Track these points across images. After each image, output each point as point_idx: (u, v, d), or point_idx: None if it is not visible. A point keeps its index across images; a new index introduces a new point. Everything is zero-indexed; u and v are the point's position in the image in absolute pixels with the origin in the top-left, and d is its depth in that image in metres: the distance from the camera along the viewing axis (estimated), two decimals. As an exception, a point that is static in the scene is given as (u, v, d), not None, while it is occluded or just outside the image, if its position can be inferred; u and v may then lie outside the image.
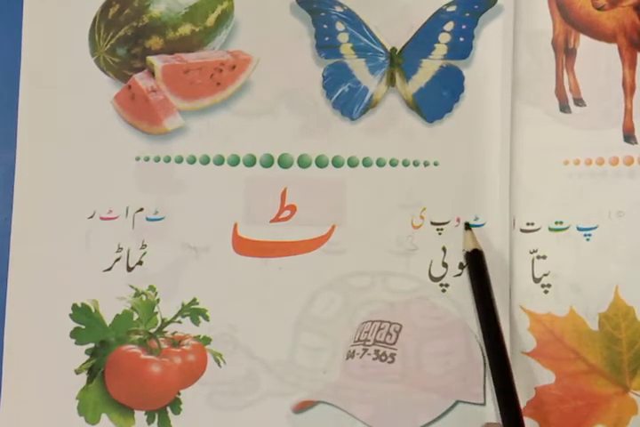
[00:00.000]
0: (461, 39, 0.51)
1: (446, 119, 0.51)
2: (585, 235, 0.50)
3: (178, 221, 0.51)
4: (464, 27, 0.51)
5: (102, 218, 0.51)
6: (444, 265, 0.50)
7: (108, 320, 0.51)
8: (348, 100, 0.51)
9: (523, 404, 0.48)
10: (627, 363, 0.49)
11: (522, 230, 0.50)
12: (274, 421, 0.49)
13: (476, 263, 0.49)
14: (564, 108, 0.51)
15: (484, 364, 0.49)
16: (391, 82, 0.51)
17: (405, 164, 0.51)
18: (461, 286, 0.50)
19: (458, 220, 0.50)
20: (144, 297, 0.51)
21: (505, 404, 0.46)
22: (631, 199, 0.50)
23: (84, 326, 0.51)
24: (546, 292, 0.50)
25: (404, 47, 0.51)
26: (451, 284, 0.50)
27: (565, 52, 0.51)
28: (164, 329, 0.51)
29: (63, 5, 0.52)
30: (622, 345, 0.49)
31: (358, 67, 0.52)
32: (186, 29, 0.52)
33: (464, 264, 0.50)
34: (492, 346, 0.47)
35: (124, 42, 0.52)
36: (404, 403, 0.48)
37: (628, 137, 0.50)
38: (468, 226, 0.50)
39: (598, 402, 0.49)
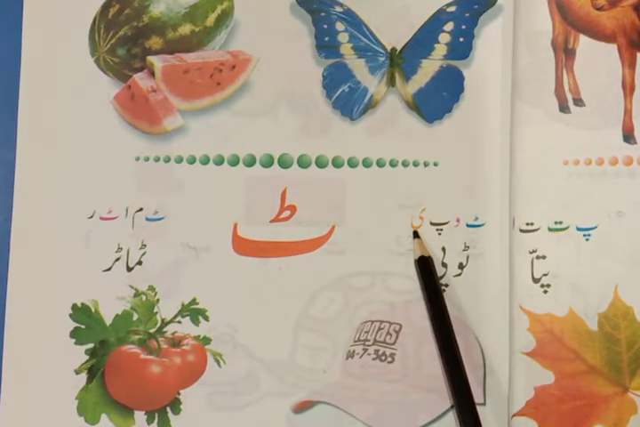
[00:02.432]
0: (461, 39, 0.51)
1: (446, 119, 0.51)
2: (584, 235, 0.50)
3: (178, 221, 0.51)
4: (464, 27, 0.51)
5: (102, 218, 0.51)
6: (444, 265, 0.50)
7: (108, 320, 0.51)
8: (348, 100, 0.51)
9: (522, 404, 0.49)
10: (626, 363, 0.49)
11: (521, 230, 0.50)
12: (274, 421, 0.49)
13: (424, 270, 0.49)
14: (564, 108, 0.51)
15: (484, 364, 0.49)
16: (391, 82, 0.51)
17: (405, 164, 0.51)
18: (461, 285, 0.50)
19: (458, 220, 0.50)
20: (144, 297, 0.51)
21: (459, 403, 0.46)
22: (631, 199, 0.50)
23: (83, 326, 0.51)
24: (545, 292, 0.50)
25: (404, 47, 0.51)
26: (450, 284, 0.50)
27: (565, 53, 0.51)
28: (164, 329, 0.51)
29: (63, 5, 0.52)
30: (622, 345, 0.49)
31: (358, 67, 0.52)
32: (186, 29, 0.52)
33: (464, 264, 0.50)
34: (446, 353, 0.47)
35: (124, 42, 0.52)
36: (404, 403, 0.48)
37: (628, 137, 0.50)
38: (416, 234, 0.50)
39: (598, 402, 0.49)
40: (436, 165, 0.51)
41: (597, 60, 0.51)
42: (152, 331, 0.51)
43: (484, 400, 0.48)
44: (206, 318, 0.50)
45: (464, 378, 0.47)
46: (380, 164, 0.51)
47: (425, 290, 0.49)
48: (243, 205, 0.51)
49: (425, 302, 0.49)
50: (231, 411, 0.50)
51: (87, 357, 0.51)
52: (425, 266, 0.49)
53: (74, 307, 0.51)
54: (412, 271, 0.50)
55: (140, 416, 0.50)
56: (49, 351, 0.51)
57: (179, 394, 0.50)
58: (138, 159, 0.52)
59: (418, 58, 0.51)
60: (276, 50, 0.52)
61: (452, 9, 0.51)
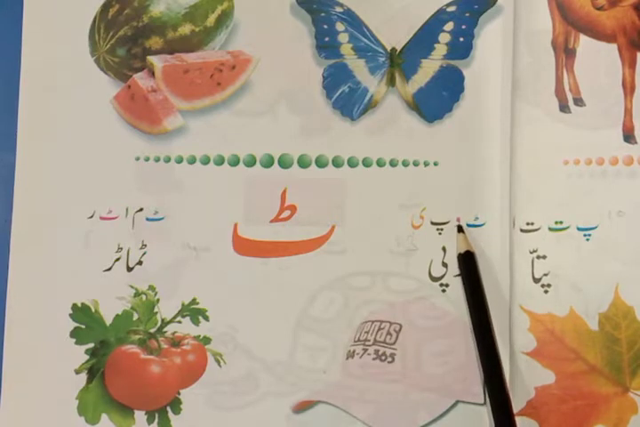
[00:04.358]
0: (461, 39, 0.51)
1: (446, 119, 0.51)
2: (585, 235, 0.50)
3: (178, 221, 0.51)
4: (464, 27, 0.51)
5: (102, 218, 0.51)
6: (444, 265, 0.50)
7: (108, 320, 0.51)
8: (348, 100, 0.51)
9: (523, 404, 0.48)
10: (627, 363, 0.49)
11: (522, 230, 0.50)
12: (273, 421, 0.49)
13: (468, 265, 0.49)
14: (564, 108, 0.51)
15: (484, 364, 0.49)
16: (391, 82, 0.51)
17: (405, 164, 0.51)
18: (461, 286, 0.50)
19: (458, 220, 0.50)
20: (144, 297, 0.51)
21: (498, 408, 0.46)
22: (631, 199, 0.50)
23: (83, 326, 0.51)
24: (546, 292, 0.49)
25: (404, 47, 0.51)
26: (451, 284, 0.50)
27: (565, 52, 0.51)
28: (164, 329, 0.51)
29: (63, 5, 0.52)
30: (622, 345, 0.49)
31: (358, 67, 0.52)
32: (186, 29, 0.52)
33: (464, 264, 0.50)
34: (485, 348, 0.47)
35: (124, 42, 0.52)
36: (404, 403, 0.48)
37: (628, 137, 0.50)
38: (460, 228, 0.50)
39: (598, 402, 0.49)
40: (436, 164, 0.51)
41: (597, 60, 0.51)
42: (152, 331, 0.51)
43: (484, 400, 0.48)
44: (206, 318, 0.50)
45: (503, 382, 0.46)
46: (380, 164, 0.51)
47: (467, 286, 0.49)
48: (243, 205, 0.51)
49: (465, 298, 0.49)
50: (231, 411, 0.50)
51: (87, 357, 0.51)
52: (469, 261, 0.49)
53: (74, 307, 0.51)
54: (413, 271, 0.50)
55: (140, 416, 0.50)
56: (49, 351, 0.51)
57: (179, 394, 0.50)
58: (138, 159, 0.52)
59: (418, 58, 0.51)
60: (276, 50, 0.52)
61: (452, 9, 0.51)
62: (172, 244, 0.51)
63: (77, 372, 0.51)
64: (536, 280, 0.50)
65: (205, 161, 0.51)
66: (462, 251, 0.49)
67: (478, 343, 0.47)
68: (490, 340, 0.47)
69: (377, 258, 0.50)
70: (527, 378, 0.49)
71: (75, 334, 0.51)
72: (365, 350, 0.49)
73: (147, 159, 0.52)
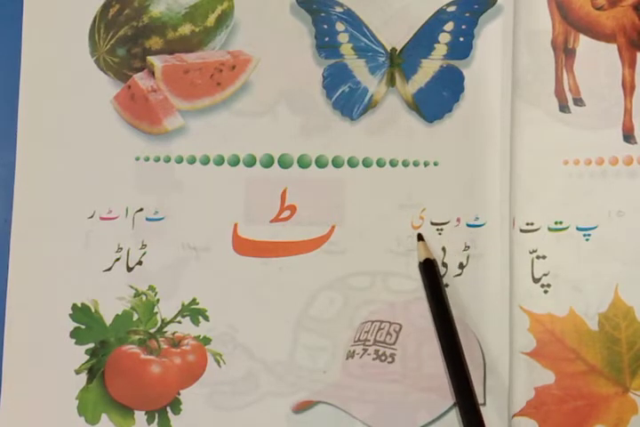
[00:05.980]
0: (461, 39, 0.51)
1: (446, 119, 0.51)
2: (585, 235, 0.50)
3: (178, 221, 0.51)
4: (464, 27, 0.51)
5: (102, 218, 0.51)
6: (444, 265, 0.50)
7: (108, 320, 0.51)
8: (348, 100, 0.51)
9: (523, 404, 0.49)
10: (627, 363, 0.49)
11: (522, 230, 0.50)
12: (273, 421, 0.49)
13: (429, 273, 0.49)
14: (564, 108, 0.51)
15: (484, 364, 0.49)
16: (391, 82, 0.51)
17: (405, 164, 0.51)
18: (461, 286, 0.50)
19: (458, 220, 0.50)
20: (144, 297, 0.51)
21: (465, 411, 0.46)
22: (631, 199, 0.50)
23: (83, 326, 0.51)
24: (546, 292, 0.50)
25: (404, 47, 0.51)
26: (450, 284, 0.50)
27: (565, 52, 0.51)
28: (164, 329, 0.51)
29: (63, 5, 0.52)
30: (622, 345, 0.49)
31: (358, 67, 0.52)
32: (186, 29, 0.52)
33: (464, 264, 0.50)
34: (450, 356, 0.47)
35: (124, 42, 0.52)
36: (404, 403, 0.48)
37: (628, 137, 0.50)
38: (420, 237, 0.50)
39: (598, 402, 0.49)
40: (436, 164, 0.51)
41: (597, 60, 0.51)
42: (152, 331, 0.51)
43: (485, 400, 0.48)
44: (206, 318, 0.50)
45: (469, 383, 0.47)
46: (380, 164, 0.51)
47: (429, 293, 0.49)
48: (243, 205, 0.51)
49: (429, 305, 0.49)
50: (231, 411, 0.50)
51: (87, 357, 0.51)
52: (429, 269, 0.49)
53: (74, 307, 0.51)
54: (413, 271, 0.50)
55: (140, 416, 0.50)
56: (49, 351, 0.51)
57: (179, 394, 0.50)
58: (138, 159, 0.52)
59: (418, 58, 0.51)
60: (276, 50, 0.52)
61: (452, 9, 0.51)
62: (171, 244, 0.51)
63: (77, 372, 0.51)
64: (536, 280, 0.50)
65: (205, 161, 0.51)
66: (422, 259, 0.49)
67: (443, 351, 0.48)
68: (455, 347, 0.47)
69: (377, 258, 0.50)
70: (527, 378, 0.49)
71: (75, 334, 0.51)
72: (365, 350, 0.49)
73: (147, 159, 0.52)
